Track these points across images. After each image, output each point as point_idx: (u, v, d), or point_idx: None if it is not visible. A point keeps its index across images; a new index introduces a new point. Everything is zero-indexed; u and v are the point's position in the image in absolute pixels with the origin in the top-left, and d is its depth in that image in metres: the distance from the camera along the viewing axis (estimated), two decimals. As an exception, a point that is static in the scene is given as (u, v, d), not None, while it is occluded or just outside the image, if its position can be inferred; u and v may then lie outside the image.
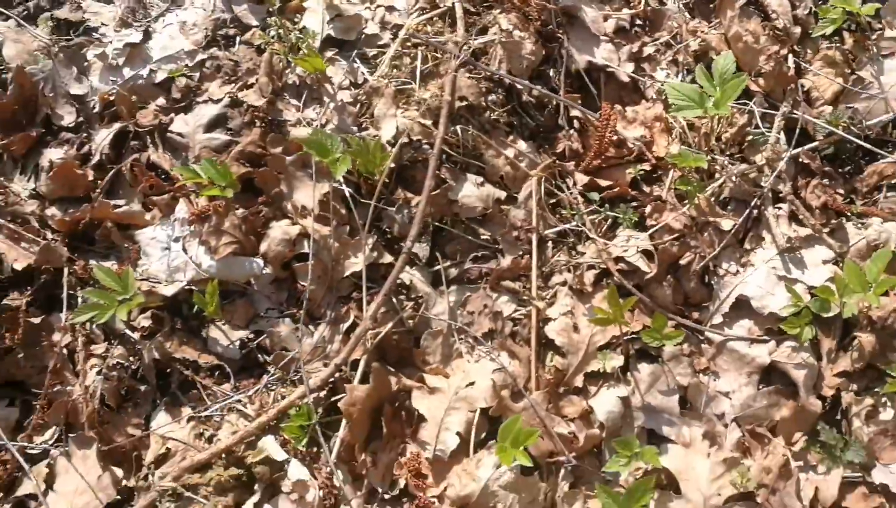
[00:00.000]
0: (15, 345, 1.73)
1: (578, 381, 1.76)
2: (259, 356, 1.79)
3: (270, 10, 2.09)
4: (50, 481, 1.66)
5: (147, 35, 2.07)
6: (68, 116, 2.00)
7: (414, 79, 1.95)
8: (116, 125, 1.94)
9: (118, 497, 1.65)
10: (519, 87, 1.97)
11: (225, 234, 1.78)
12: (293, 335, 1.78)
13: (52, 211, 1.89)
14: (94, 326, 1.77)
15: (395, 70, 1.97)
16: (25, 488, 1.66)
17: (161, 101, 2.00)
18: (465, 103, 1.92)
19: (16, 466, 1.68)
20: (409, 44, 1.99)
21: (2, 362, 1.75)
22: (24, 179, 1.95)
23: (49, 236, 1.84)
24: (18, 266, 1.76)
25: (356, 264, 1.82)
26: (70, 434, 1.68)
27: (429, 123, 1.89)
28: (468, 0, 2.04)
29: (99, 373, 1.71)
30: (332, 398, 1.71)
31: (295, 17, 2.07)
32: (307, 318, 1.80)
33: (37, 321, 1.75)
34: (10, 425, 1.73)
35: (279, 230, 1.82)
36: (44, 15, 2.12)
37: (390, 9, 2.05)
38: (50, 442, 1.70)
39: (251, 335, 1.79)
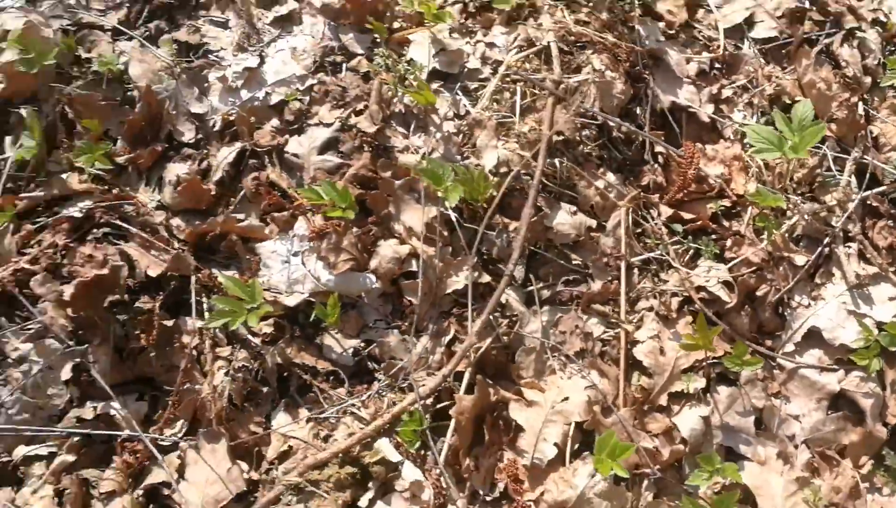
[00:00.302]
0: (149, 345, 1.88)
1: (663, 400, 1.92)
2: (369, 363, 1.94)
3: (376, 39, 2.25)
4: (181, 471, 1.81)
5: (261, 59, 2.21)
6: (188, 133, 2.15)
7: (513, 112, 2.10)
8: (238, 144, 2.09)
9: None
10: (610, 123, 2.12)
11: (343, 251, 1.94)
12: (401, 346, 1.93)
13: (176, 222, 2.05)
14: (218, 330, 1.92)
15: (495, 103, 2.13)
16: (157, 476, 1.81)
17: (275, 122, 2.16)
18: (561, 138, 2.07)
19: (146, 456, 1.83)
20: (508, 79, 2.15)
21: (135, 360, 1.90)
22: (149, 191, 2.10)
23: (176, 245, 1.99)
24: (152, 273, 1.92)
25: (458, 282, 1.98)
26: (200, 430, 1.83)
27: (528, 154, 2.04)
28: (562, 40, 2.19)
29: (226, 374, 1.86)
30: (437, 406, 1.87)
31: (401, 50, 2.21)
32: (414, 331, 1.95)
33: (169, 323, 1.90)
34: (139, 418, 1.88)
35: (389, 249, 1.98)
36: (165, 37, 2.27)
37: (490, 45, 2.20)
38: (179, 435, 1.85)
39: (362, 344, 1.94)
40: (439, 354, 1.94)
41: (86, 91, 2.12)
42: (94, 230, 2.01)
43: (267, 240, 2.01)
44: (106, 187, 2.07)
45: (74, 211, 2.00)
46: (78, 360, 1.88)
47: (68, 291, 1.84)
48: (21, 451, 1.85)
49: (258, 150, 2.11)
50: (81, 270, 1.92)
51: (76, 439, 1.86)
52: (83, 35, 2.25)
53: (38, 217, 2.05)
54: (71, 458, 1.84)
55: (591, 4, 2.28)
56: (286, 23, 2.31)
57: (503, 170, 2.03)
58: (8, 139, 2.12)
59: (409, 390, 1.87)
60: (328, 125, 2.14)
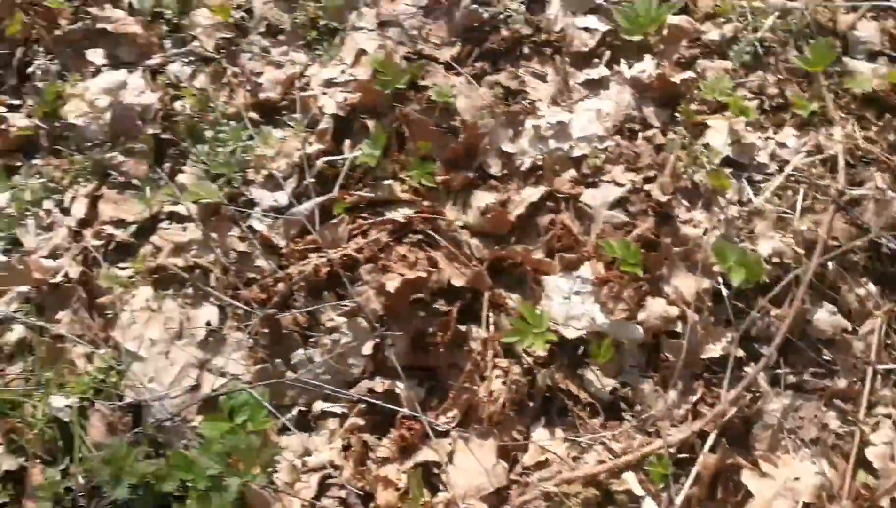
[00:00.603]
0: (441, 343, 2.20)
1: (885, 502, 2.07)
2: (622, 403, 2.20)
3: (674, 116, 2.50)
4: (450, 456, 2.11)
5: (570, 115, 2.51)
6: (496, 167, 2.47)
7: (793, 210, 2.31)
8: (542, 188, 2.38)
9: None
10: (881, 239, 2.30)
11: (622, 301, 2.20)
12: (653, 395, 2.17)
13: (475, 242, 2.37)
14: (499, 344, 2.21)
15: (777, 198, 2.34)
16: (427, 455, 2.10)
17: (573, 173, 2.44)
18: (834, 243, 2.26)
19: (420, 435, 2.14)
20: (792, 179, 2.36)
21: (426, 352, 2.22)
22: (454, 210, 2.43)
23: (474, 262, 2.30)
24: (456, 283, 2.23)
25: (714, 351, 2.20)
26: (473, 425, 2.13)
27: (801, 251, 2.24)
28: (850, 153, 2.38)
29: (503, 383, 2.15)
30: (678, 456, 2.10)
31: (696, 131, 2.46)
32: (664, 384, 2.19)
33: (462, 328, 2.21)
34: (418, 400, 2.19)
35: (659, 307, 2.22)
36: (489, 78, 2.61)
37: (781, 144, 2.42)
38: (452, 425, 2.15)
39: (618, 385, 2.20)
40: (684, 410, 2.17)
41: (422, 115, 2.46)
42: (411, 235, 2.34)
43: (552, 275, 2.29)
44: (420, 200, 2.40)
45: (397, 215, 2.35)
46: (378, 340, 2.22)
47: (392, 284, 2.17)
48: (319, 406, 2.21)
49: (556, 194, 2.40)
50: (394, 266, 2.27)
51: (363, 406, 2.19)
52: (420, 64, 2.60)
53: (361, 213, 2.41)
54: (360, 422, 2.17)
55: (881, 124, 2.45)
56: (595, 86, 2.60)
57: (775, 260, 2.24)
58: (347, 142, 2.49)
59: (657, 435, 2.11)
60: (620, 185, 2.41)
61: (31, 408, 2.14)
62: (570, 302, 2.25)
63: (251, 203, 2.41)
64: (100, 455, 2.00)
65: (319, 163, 2.43)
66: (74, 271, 2.32)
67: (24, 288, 2.32)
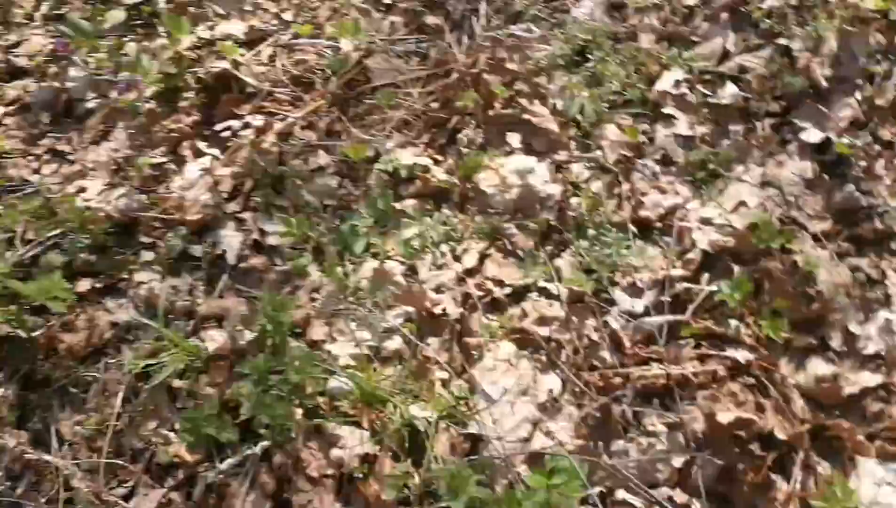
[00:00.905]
0: (748, 482, 2.41)
1: None
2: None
3: None
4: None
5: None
6: (837, 342, 2.64)
7: None
8: (879, 377, 2.55)
9: None
10: None
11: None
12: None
13: (801, 402, 2.56)
14: (799, 502, 2.39)
15: None
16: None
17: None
18: None
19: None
20: None
21: (731, 485, 2.43)
22: (788, 367, 2.64)
23: (797, 421, 2.50)
24: (778, 435, 2.43)
25: None
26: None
27: None
28: None
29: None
30: None
31: None
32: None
33: (773, 477, 2.41)
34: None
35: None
36: (851, 260, 2.80)
37: None
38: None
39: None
40: None
41: (783, 275, 2.71)
42: (745, 377, 2.58)
43: (868, 458, 2.44)
44: (761, 348, 2.64)
45: (739, 356, 2.60)
46: (690, 458, 2.46)
47: (724, 416, 2.42)
48: (621, 494, 2.46)
49: (891, 387, 2.55)
50: (723, 399, 2.52)
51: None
52: (792, 229, 2.85)
53: (702, 341, 2.68)
54: (651, 519, 2.42)
55: None
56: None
57: None
58: (706, 275, 2.78)
59: None
60: None
61: (393, 408, 2.58)
62: (879, 489, 2.38)
63: (611, 302, 2.75)
64: (443, 468, 2.39)
65: (679, 286, 2.74)
66: (453, 309, 2.76)
67: (411, 309, 2.79)
